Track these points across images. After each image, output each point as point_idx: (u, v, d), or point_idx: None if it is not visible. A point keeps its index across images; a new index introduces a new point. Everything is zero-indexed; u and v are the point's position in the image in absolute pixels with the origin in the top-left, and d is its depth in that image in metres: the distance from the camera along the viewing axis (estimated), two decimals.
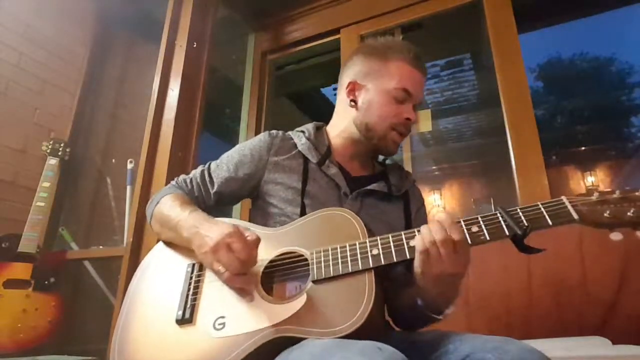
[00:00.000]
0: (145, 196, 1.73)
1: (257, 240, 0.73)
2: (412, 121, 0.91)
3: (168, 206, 0.87)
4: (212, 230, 0.74)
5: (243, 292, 0.74)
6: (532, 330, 1.22)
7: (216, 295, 0.76)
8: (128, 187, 2.09)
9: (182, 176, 0.98)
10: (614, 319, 1.15)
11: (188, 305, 0.76)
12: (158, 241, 0.93)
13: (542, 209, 0.67)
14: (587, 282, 1.21)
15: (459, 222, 0.69)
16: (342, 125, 0.98)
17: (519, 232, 0.65)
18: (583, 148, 6.40)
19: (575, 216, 0.64)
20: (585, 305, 1.19)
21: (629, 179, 5.89)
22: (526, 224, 0.66)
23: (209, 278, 0.79)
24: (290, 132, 1.00)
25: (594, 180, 5.83)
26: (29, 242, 1.88)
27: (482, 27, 1.96)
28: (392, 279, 0.84)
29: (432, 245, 0.66)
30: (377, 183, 0.93)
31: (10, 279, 1.78)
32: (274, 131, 0.99)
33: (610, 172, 5.95)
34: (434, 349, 0.66)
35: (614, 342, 1.02)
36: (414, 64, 0.92)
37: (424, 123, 2.33)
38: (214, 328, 0.71)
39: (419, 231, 0.72)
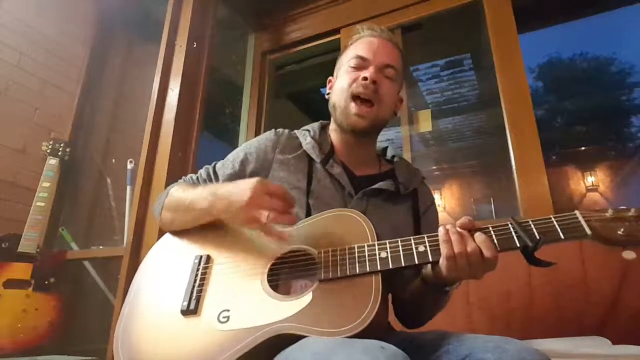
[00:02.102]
0: (145, 196, 1.73)
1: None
2: (371, 79, 0.87)
3: (180, 191, 0.87)
4: (239, 186, 0.75)
5: (281, 239, 0.75)
6: (532, 330, 1.22)
7: (222, 288, 0.77)
8: (128, 187, 2.09)
9: (190, 175, 0.99)
10: (614, 319, 1.15)
11: (194, 297, 0.76)
12: (160, 237, 0.93)
13: (555, 223, 0.66)
14: (587, 282, 1.21)
15: (490, 232, 0.69)
16: (332, 119, 1.00)
17: (530, 244, 0.64)
18: (583, 148, 6.40)
19: (589, 232, 0.63)
20: (585, 305, 1.19)
21: (629, 179, 5.89)
22: (538, 237, 0.65)
23: (216, 270, 0.80)
24: (296, 131, 1.00)
25: (594, 180, 5.84)
26: (29, 242, 1.89)
27: (482, 27, 1.96)
28: (397, 280, 0.84)
29: (460, 255, 0.67)
30: (385, 182, 0.91)
31: (10, 279, 1.78)
32: (279, 129, 0.99)
33: (610, 172, 5.95)
34: (434, 348, 0.66)
35: (614, 342, 1.02)
36: (368, 33, 0.94)
37: (424, 123, 2.33)
38: (219, 321, 0.71)
39: (429, 237, 0.72)
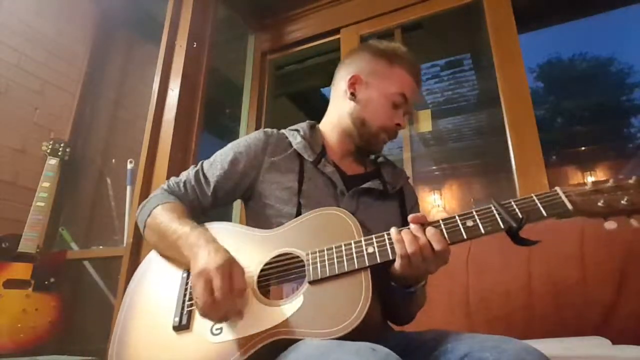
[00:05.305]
0: (145, 196, 1.69)
1: (242, 290, 0.70)
2: (402, 127, 0.97)
3: (165, 220, 0.84)
4: (203, 256, 0.72)
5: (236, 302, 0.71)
6: (532, 330, 1.22)
7: None
8: (128, 187, 2.09)
9: (173, 179, 0.95)
10: (614, 319, 1.15)
11: (184, 312, 0.75)
12: None
13: (536, 201, 0.67)
14: (587, 282, 1.20)
15: (439, 225, 0.70)
16: (336, 117, 0.99)
17: (514, 224, 0.65)
18: (583, 148, 6.40)
19: (570, 206, 0.64)
20: (585, 305, 1.19)
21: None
22: (521, 216, 0.66)
23: None
24: (284, 131, 1.00)
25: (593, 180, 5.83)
26: (29, 242, 1.88)
27: (482, 27, 1.96)
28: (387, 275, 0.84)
29: (414, 251, 0.68)
30: (372, 181, 0.93)
31: (10, 279, 1.78)
32: (268, 129, 0.99)
33: (610, 172, 5.95)
34: (433, 348, 0.66)
35: (614, 342, 1.02)
36: (415, 75, 0.97)
37: (424, 123, 2.33)
38: (212, 333, 0.71)
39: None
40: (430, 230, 0.69)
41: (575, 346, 1.02)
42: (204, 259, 0.71)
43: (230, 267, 0.70)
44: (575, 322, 1.18)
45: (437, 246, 0.68)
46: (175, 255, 0.83)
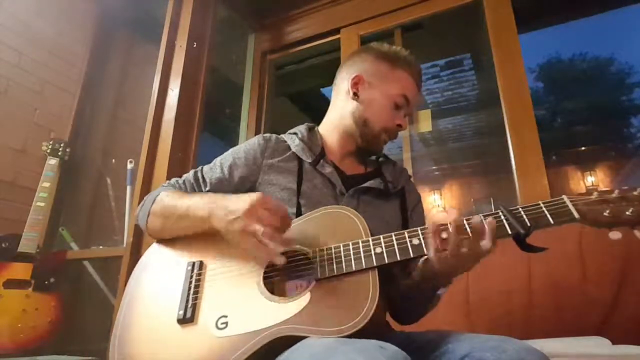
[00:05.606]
0: (145, 196, 1.73)
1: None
2: (403, 128, 0.98)
3: (173, 198, 0.86)
4: (239, 198, 0.74)
5: (273, 256, 0.72)
6: (532, 330, 1.22)
7: (218, 293, 0.76)
8: (128, 187, 2.09)
9: (174, 178, 0.98)
10: (614, 319, 1.15)
11: (189, 305, 0.75)
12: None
13: (544, 208, 0.67)
14: (587, 282, 1.21)
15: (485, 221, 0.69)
16: (337, 117, 1.00)
17: (522, 231, 0.66)
18: (583, 148, 6.39)
19: (577, 215, 0.65)
20: (585, 305, 1.19)
21: (629, 179, 5.89)
22: (529, 223, 0.66)
23: (210, 276, 0.79)
24: (282, 135, 1.02)
25: (594, 180, 5.83)
26: (29, 242, 1.88)
27: (482, 27, 1.96)
28: (392, 275, 0.84)
29: (455, 243, 0.68)
30: (373, 180, 0.94)
31: (10, 279, 1.78)
32: (267, 134, 1.00)
33: (610, 172, 5.95)
34: (434, 348, 0.66)
35: (614, 342, 1.02)
36: (416, 78, 0.99)
37: (424, 123, 2.33)
38: (217, 327, 0.71)
39: (422, 229, 0.72)
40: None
41: (575, 346, 1.02)
42: (241, 199, 0.73)
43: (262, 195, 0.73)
44: (575, 322, 1.18)
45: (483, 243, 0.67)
46: (187, 223, 0.82)
